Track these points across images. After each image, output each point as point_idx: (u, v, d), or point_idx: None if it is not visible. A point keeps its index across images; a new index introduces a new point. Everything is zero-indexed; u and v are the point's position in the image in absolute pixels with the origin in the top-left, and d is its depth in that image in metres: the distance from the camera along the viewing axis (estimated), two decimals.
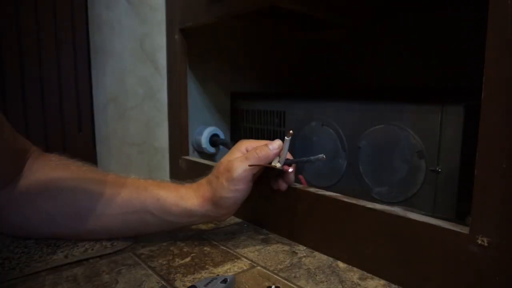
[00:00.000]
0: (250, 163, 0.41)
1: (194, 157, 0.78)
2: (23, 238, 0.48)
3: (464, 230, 0.34)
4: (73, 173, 0.47)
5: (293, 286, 0.38)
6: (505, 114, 0.30)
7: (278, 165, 0.37)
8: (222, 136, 0.80)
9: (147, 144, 0.77)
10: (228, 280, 0.36)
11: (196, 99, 0.79)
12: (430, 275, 0.36)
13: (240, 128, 0.81)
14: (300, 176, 0.58)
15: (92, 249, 0.47)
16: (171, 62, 0.79)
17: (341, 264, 0.43)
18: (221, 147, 0.80)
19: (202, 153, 0.79)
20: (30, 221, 0.46)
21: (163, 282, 0.39)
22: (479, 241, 0.32)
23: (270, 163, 0.38)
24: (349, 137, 0.60)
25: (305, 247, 0.48)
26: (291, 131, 0.33)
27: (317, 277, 0.40)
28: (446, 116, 0.49)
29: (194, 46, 0.76)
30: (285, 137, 0.33)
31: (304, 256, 0.45)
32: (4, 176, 0.44)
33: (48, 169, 0.47)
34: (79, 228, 0.47)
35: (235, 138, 0.83)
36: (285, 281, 0.39)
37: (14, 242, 0.47)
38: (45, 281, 0.39)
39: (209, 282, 0.35)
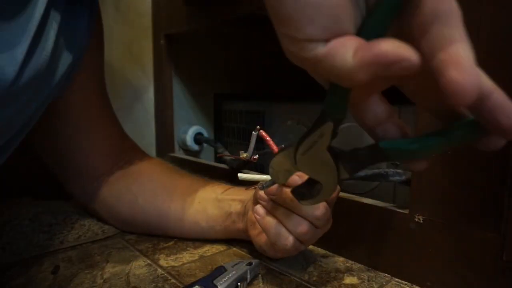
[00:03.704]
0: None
1: (180, 154, 0.83)
2: (21, 226, 0.53)
3: (406, 211, 0.40)
4: (164, 174, 0.55)
5: (264, 263, 0.44)
6: None
7: (246, 155, 0.42)
8: (206, 134, 0.85)
9: (135, 141, 0.82)
10: (253, 263, 0.40)
11: (181, 100, 0.84)
12: (380, 250, 0.42)
13: (223, 127, 0.86)
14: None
15: (85, 236, 0.52)
16: (157, 65, 0.84)
17: None
18: (204, 144, 0.85)
19: (187, 150, 0.85)
20: (119, 199, 0.53)
21: (149, 261, 0.44)
22: (416, 219, 0.38)
23: (238, 155, 0.43)
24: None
25: None
26: (258, 127, 0.38)
27: None
28: (403, 116, 0.55)
29: (179, 50, 0.82)
30: (253, 132, 0.38)
31: None
32: (107, 166, 0.53)
33: (146, 164, 0.55)
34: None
35: (218, 137, 0.88)
36: (257, 259, 0.44)
37: (13, 229, 0.52)
38: (43, 262, 0.44)
39: (236, 264, 0.39)
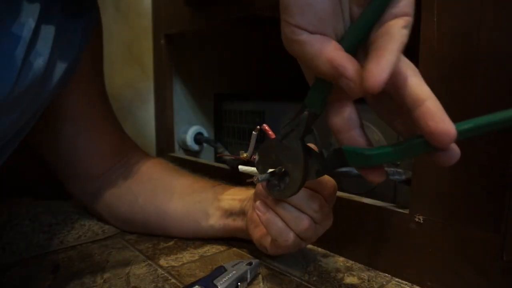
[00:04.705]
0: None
1: (180, 154, 0.83)
2: (21, 226, 0.53)
3: (406, 210, 0.40)
4: (164, 174, 0.55)
5: (264, 263, 0.44)
6: None
7: (246, 155, 0.42)
8: (206, 134, 0.85)
9: (135, 141, 0.82)
10: (253, 263, 0.40)
11: (181, 99, 0.84)
12: (380, 250, 0.42)
13: (223, 127, 0.86)
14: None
15: (85, 236, 0.52)
16: (157, 65, 0.84)
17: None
18: (204, 144, 0.85)
19: (187, 150, 0.85)
20: (119, 198, 0.53)
21: (149, 261, 0.44)
22: (416, 219, 0.38)
23: (238, 155, 0.43)
24: (322, 134, 0.66)
25: None
26: (258, 127, 0.38)
27: (284, 254, 0.45)
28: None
29: (179, 50, 0.81)
30: (253, 132, 0.38)
31: None
32: (107, 165, 0.53)
33: (146, 164, 0.55)
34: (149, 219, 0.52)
35: (218, 137, 0.88)
36: (257, 259, 0.44)
37: (13, 229, 0.52)
38: (43, 262, 0.44)
39: (236, 264, 0.39)
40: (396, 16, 0.25)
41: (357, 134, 0.28)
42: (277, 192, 0.34)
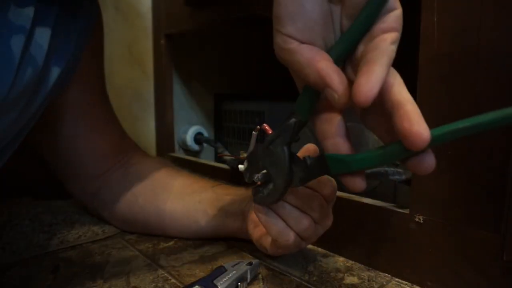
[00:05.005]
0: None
1: (180, 154, 0.83)
2: (21, 226, 0.53)
3: (406, 210, 0.40)
4: (164, 174, 0.55)
5: (264, 263, 0.44)
6: (433, 111, 0.36)
7: (246, 155, 0.42)
8: (206, 134, 0.85)
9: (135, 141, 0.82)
10: (253, 263, 0.40)
11: (181, 99, 0.84)
12: (380, 250, 0.42)
13: (223, 127, 0.86)
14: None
15: (85, 236, 0.52)
16: (157, 65, 0.84)
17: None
18: (204, 144, 0.85)
19: (187, 150, 0.85)
20: (120, 198, 0.52)
21: (149, 261, 0.44)
22: (416, 219, 0.38)
23: (238, 155, 0.44)
24: None
25: None
26: (258, 127, 0.38)
27: (284, 254, 0.45)
28: None
29: (179, 50, 0.82)
30: (253, 132, 0.38)
31: None
32: (107, 165, 0.53)
33: (146, 164, 0.55)
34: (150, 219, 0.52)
35: (218, 137, 0.88)
36: (257, 259, 0.44)
37: (13, 229, 0.52)
38: (43, 262, 0.44)
39: (236, 264, 0.39)
40: (384, 31, 0.25)
41: (341, 141, 0.29)
42: (260, 198, 0.34)
